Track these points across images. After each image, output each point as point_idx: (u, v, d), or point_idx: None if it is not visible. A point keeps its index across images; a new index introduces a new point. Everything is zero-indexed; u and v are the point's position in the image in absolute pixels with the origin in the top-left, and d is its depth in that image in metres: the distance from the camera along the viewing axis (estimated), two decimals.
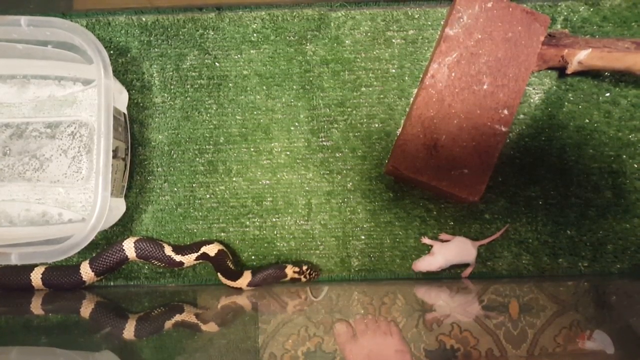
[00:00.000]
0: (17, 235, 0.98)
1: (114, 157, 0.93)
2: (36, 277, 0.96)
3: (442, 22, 1.07)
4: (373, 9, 1.08)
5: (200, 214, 1.05)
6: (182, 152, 1.06)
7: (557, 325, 0.88)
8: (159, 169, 1.05)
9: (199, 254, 0.99)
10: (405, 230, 1.04)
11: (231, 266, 0.99)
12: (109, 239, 1.04)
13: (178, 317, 0.95)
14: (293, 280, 0.99)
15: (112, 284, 1.04)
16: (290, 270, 0.98)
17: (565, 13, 1.07)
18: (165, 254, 0.98)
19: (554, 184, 1.04)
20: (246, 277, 0.97)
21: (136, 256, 0.98)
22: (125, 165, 1.02)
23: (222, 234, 1.05)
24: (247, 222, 1.05)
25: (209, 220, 1.05)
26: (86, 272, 0.97)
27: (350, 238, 1.05)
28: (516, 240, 1.04)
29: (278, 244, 1.04)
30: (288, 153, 1.06)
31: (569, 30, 1.04)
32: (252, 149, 1.06)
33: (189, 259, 0.99)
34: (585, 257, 1.04)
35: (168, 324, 0.94)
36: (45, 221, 0.99)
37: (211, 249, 0.99)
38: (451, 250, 1.00)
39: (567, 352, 0.87)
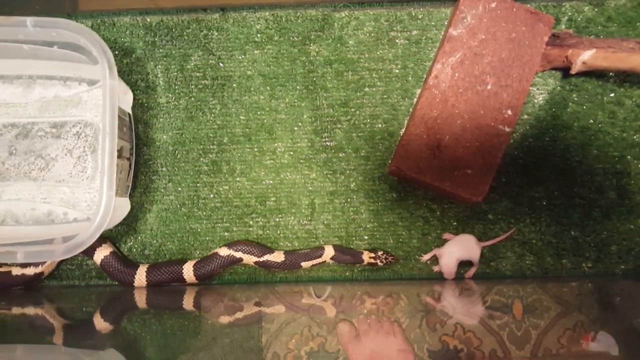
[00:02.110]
0: (22, 234, 0.99)
1: (119, 157, 0.93)
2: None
3: (445, 23, 1.07)
4: (376, 9, 1.08)
5: (204, 213, 1.05)
6: (186, 152, 1.06)
7: (561, 326, 0.88)
8: (163, 168, 1.06)
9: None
10: (409, 230, 1.04)
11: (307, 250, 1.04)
12: (113, 238, 1.05)
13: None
14: (370, 265, 1.02)
15: (116, 283, 1.04)
16: (366, 256, 1.01)
17: (570, 13, 1.06)
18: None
19: (558, 185, 1.04)
20: (329, 252, 1.02)
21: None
22: (130, 165, 1.02)
23: (226, 233, 1.05)
24: (251, 222, 1.05)
25: (212, 219, 1.05)
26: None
27: (354, 238, 1.05)
28: (520, 240, 1.04)
29: (281, 243, 1.05)
30: (291, 153, 1.06)
31: (573, 31, 1.04)
32: (255, 149, 1.06)
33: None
34: (589, 258, 1.03)
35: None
36: (51, 220, 1.00)
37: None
38: (454, 246, 1.00)
39: (571, 354, 0.87)
